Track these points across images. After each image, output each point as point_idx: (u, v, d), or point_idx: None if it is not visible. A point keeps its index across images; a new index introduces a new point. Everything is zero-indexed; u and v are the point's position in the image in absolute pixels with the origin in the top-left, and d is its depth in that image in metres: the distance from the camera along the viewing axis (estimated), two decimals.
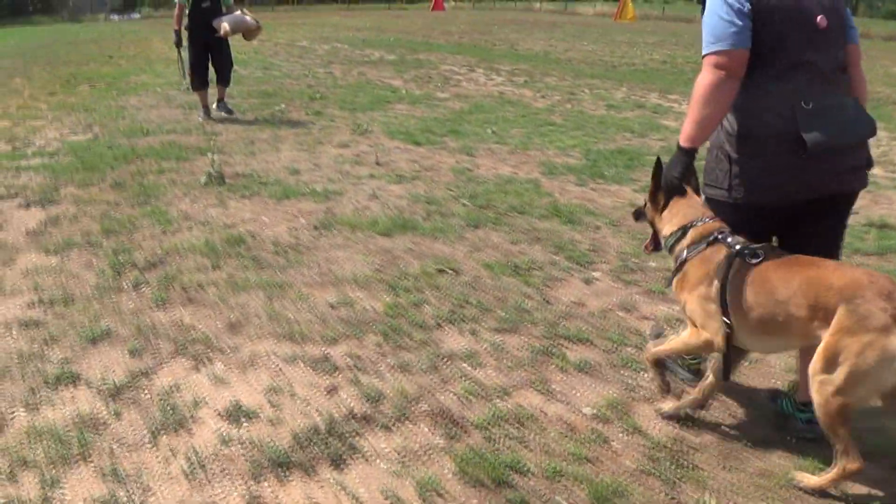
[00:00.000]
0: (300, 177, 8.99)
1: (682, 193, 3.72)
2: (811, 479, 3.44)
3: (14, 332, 5.12)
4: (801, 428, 3.89)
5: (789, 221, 3.65)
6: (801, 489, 3.50)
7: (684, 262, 3.62)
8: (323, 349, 4.93)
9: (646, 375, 4.63)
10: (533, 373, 4.72)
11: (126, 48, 26.79)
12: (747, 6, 3.35)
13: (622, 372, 4.75)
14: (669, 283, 3.81)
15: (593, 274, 6.34)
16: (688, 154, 3.60)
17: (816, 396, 3.17)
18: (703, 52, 3.44)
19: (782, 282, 3.27)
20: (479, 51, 25.86)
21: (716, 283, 3.44)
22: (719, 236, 3.52)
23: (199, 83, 12.27)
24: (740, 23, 3.35)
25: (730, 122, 3.57)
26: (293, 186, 8.50)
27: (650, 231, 4.09)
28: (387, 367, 4.75)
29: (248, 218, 7.48)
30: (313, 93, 15.55)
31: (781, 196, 3.51)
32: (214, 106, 12.61)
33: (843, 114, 3.42)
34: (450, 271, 6.27)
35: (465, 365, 4.78)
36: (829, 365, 3.08)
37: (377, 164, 9.65)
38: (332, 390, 4.47)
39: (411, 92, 16.04)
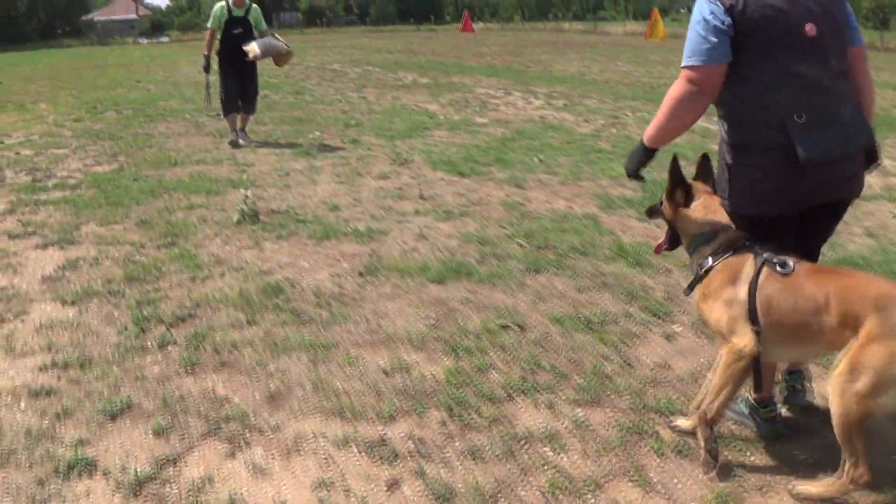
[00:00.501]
0: (340, 213, 8.31)
1: (640, 180, 3.87)
2: (813, 488, 3.38)
3: (23, 404, 4.47)
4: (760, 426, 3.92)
5: (781, 228, 3.60)
6: (804, 499, 3.42)
7: (709, 269, 3.58)
8: (379, 429, 4.21)
9: (751, 458, 3.95)
10: (625, 458, 3.98)
11: (154, 72, 26.39)
12: (728, 21, 3.31)
13: (726, 454, 3.97)
14: (689, 291, 3.74)
15: (673, 328, 5.59)
16: (647, 152, 3.69)
17: (836, 403, 3.10)
18: (682, 64, 3.43)
19: (816, 289, 3.23)
20: (514, 73, 25.18)
21: (744, 289, 3.39)
22: (747, 243, 3.51)
23: (229, 108, 12.06)
24: (715, 40, 3.33)
25: (726, 131, 3.57)
26: (333, 225, 7.82)
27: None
28: (455, 452, 4.02)
29: (285, 262, 6.80)
30: (348, 119, 14.92)
31: (774, 206, 3.50)
32: (241, 138, 12.33)
33: (838, 124, 3.37)
34: (514, 327, 5.55)
35: (545, 449, 4.05)
36: (854, 372, 3.03)
37: (421, 198, 8.95)
38: (393, 485, 3.76)
39: (449, 117, 15.36)
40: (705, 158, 3.92)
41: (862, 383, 3.01)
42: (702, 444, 3.72)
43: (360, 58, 32.27)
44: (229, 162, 10.95)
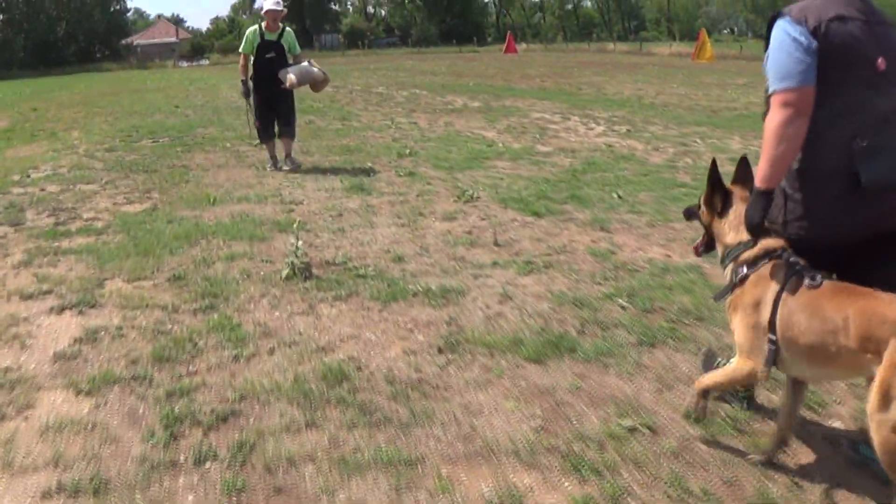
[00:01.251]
0: (406, 266, 7.14)
1: (766, 235, 3.54)
2: None
3: None
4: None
5: (846, 258, 3.53)
6: None
7: (744, 278, 3.52)
8: None
9: None
10: None
11: (193, 97, 25.51)
12: (814, 44, 3.28)
13: None
14: (720, 298, 3.71)
15: (836, 425, 4.34)
16: (765, 195, 3.46)
17: (875, 436, 3.03)
18: (771, 90, 3.36)
19: (836, 310, 3.15)
20: (567, 96, 24.01)
21: (769, 306, 3.35)
22: (783, 253, 3.45)
23: (264, 135, 11.81)
24: (808, 60, 3.29)
25: None
26: (400, 282, 6.66)
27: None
28: None
29: (347, 334, 5.63)
30: (401, 148, 13.79)
31: (836, 233, 3.45)
32: (284, 164, 11.98)
33: None
34: (644, 430, 4.33)
35: None
36: (885, 402, 2.94)
37: (496, 244, 7.80)
38: None
39: (509, 145, 14.21)
40: (744, 161, 3.84)
41: (895, 413, 2.90)
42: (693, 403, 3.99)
43: (406, 80, 31.27)
44: (274, 199, 9.85)
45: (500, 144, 14.39)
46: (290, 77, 10.99)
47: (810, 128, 3.36)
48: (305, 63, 11.36)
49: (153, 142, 15.63)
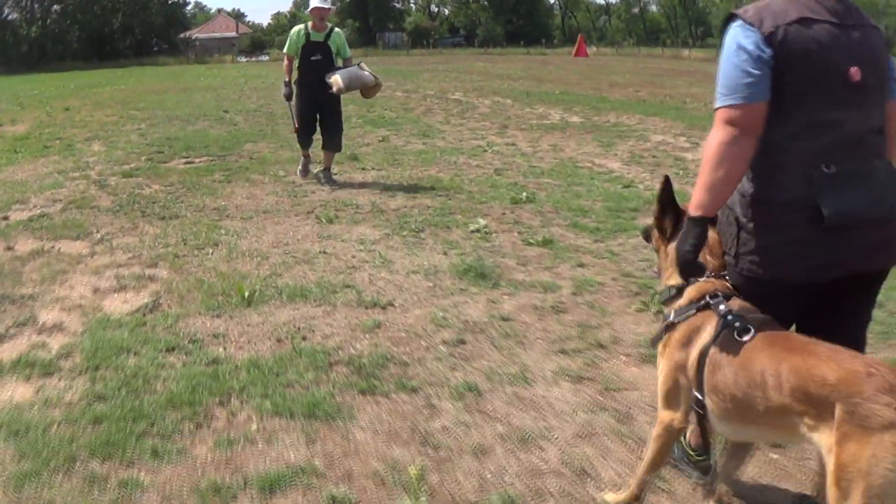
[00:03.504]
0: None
1: (699, 272, 2.91)
2: None
3: None
4: None
5: (806, 302, 2.97)
6: None
7: (672, 324, 2.99)
8: None
9: None
10: None
11: (247, 98, 21.76)
12: (768, 52, 2.71)
13: None
14: (654, 345, 3.15)
15: None
16: (699, 223, 2.86)
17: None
18: (715, 106, 2.82)
19: (768, 367, 2.62)
20: (675, 111, 19.77)
21: (696, 353, 2.85)
22: (711, 301, 2.87)
23: (303, 140, 10.46)
24: (758, 72, 2.73)
25: (741, 182, 2.89)
26: None
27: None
28: None
29: None
30: (516, 190, 9.81)
31: (794, 273, 2.85)
32: (322, 177, 10.41)
33: (872, 181, 2.78)
34: None
35: None
36: (844, 487, 2.39)
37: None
38: None
39: (652, 188, 10.07)
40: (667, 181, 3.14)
41: (855, 500, 2.36)
42: None
43: (482, 85, 27.29)
44: (347, 295, 6.11)
45: (640, 185, 10.35)
46: (338, 80, 9.62)
47: (766, 150, 2.80)
48: (356, 66, 10.08)
49: (186, 163, 11.83)
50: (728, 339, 2.77)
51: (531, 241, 7.50)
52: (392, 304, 5.83)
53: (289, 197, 9.45)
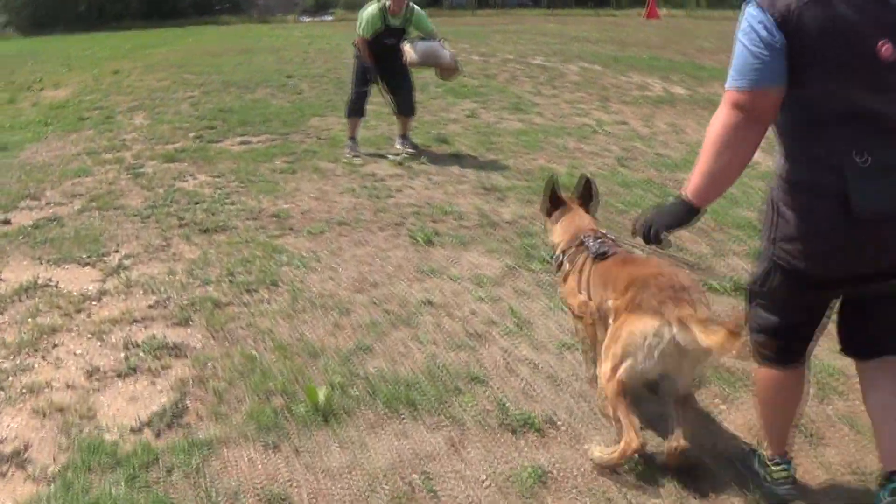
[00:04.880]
0: None
1: (659, 244, 2.89)
2: (596, 453, 3.17)
3: None
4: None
5: (830, 291, 2.71)
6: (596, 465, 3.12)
7: (561, 262, 3.71)
8: None
9: None
10: None
11: (312, 62, 19.40)
12: (779, 36, 2.39)
13: None
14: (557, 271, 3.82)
15: None
16: (690, 210, 2.68)
17: (600, 378, 3.15)
18: (726, 85, 2.54)
19: (612, 276, 3.29)
20: None
21: (577, 275, 3.55)
22: (584, 239, 3.61)
23: (354, 109, 8.94)
24: (767, 56, 2.43)
25: (778, 163, 2.68)
26: None
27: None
28: None
29: None
30: (655, 191, 7.53)
31: (821, 265, 2.58)
32: (397, 143, 9.06)
33: None
34: None
35: None
36: (608, 345, 3.09)
37: None
38: None
39: None
40: (585, 181, 3.91)
41: (612, 355, 3.04)
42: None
43: (561, 48, 24.61)
44: (477, 391, 3.85)
45: None
46: (410, 51, 8.28)
47: (797, 134, 2.55)
48: (437, 43, 8.55)
49: (241, 143, 9.52)
50: (594, 263, 3.47)
51: (716, 284, 5.08)
52: (553, 424, 3.50)
53: (369, 197, 7.13)
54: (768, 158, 8.83)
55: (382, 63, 8.55)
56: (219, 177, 7.91)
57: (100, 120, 11.57)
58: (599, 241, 3.57)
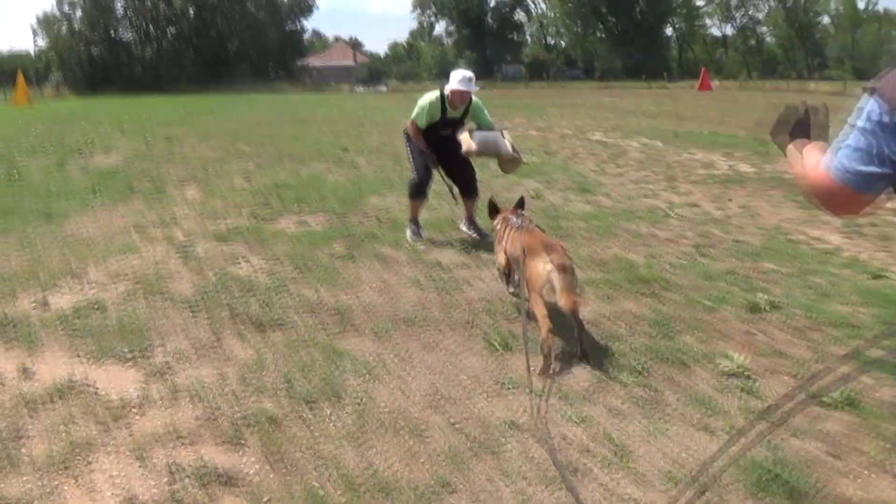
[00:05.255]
0: None
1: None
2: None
3: None
4: None
5: None
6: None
7: (493, 231, 6.44)
8: None
9: None
10: None
11: (367, 134, 19.13)
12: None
13: None
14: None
15: None
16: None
17: (526, 288, 5.19)
18: (834, 158, 2.15)
19: (518, 240, 5.54)
20: None
21: (502, 240, 6.06)
22: (510, 217, 6.16)
23: (417, 192, 8.44)
24: (878, 171, 2.06)
25: None
26: None
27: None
28: None
29: None
30: (741, 285, 6.85)
31: None
32: (463, 226, 8.68)
33: None
34: None
35: None
36: (526, 276, 5.23)
37: None
38: None
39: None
40: (521, 200, 6.81)
41: (529, 282, 5.18)
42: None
43: (619, 123, 24.19)
44: None
45: (890, 273, 7.21)
46: (469, 141, 7.85)
47: None
48: (497, 132, 8.09)
49: (298, 223, 9.07)
50: (511, 231, 5.87)
51: (827, 399, 4.42)
52: None
53: (436, 290, 6.58)
54: (850, 245, 8.25)
55: (439, 151, 8.29)
56: (274, 261, 7.45)
57: (150, 191, 11.24)
58: (518, 219, 6.06)
